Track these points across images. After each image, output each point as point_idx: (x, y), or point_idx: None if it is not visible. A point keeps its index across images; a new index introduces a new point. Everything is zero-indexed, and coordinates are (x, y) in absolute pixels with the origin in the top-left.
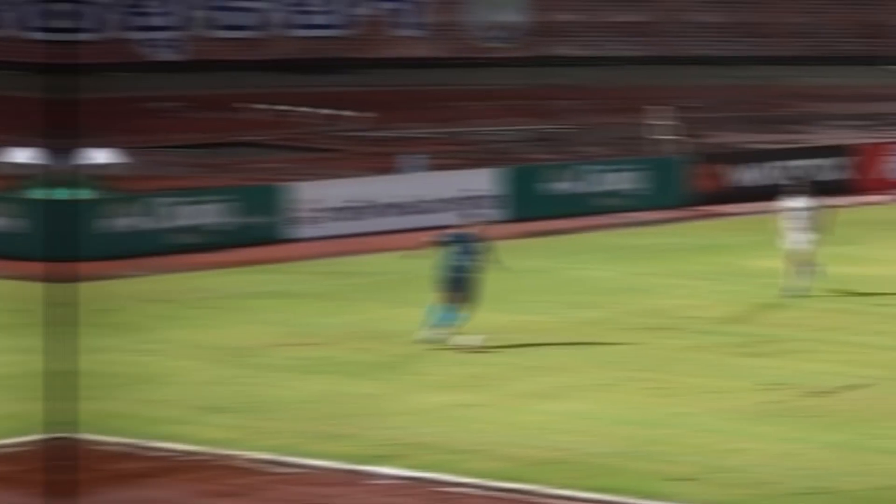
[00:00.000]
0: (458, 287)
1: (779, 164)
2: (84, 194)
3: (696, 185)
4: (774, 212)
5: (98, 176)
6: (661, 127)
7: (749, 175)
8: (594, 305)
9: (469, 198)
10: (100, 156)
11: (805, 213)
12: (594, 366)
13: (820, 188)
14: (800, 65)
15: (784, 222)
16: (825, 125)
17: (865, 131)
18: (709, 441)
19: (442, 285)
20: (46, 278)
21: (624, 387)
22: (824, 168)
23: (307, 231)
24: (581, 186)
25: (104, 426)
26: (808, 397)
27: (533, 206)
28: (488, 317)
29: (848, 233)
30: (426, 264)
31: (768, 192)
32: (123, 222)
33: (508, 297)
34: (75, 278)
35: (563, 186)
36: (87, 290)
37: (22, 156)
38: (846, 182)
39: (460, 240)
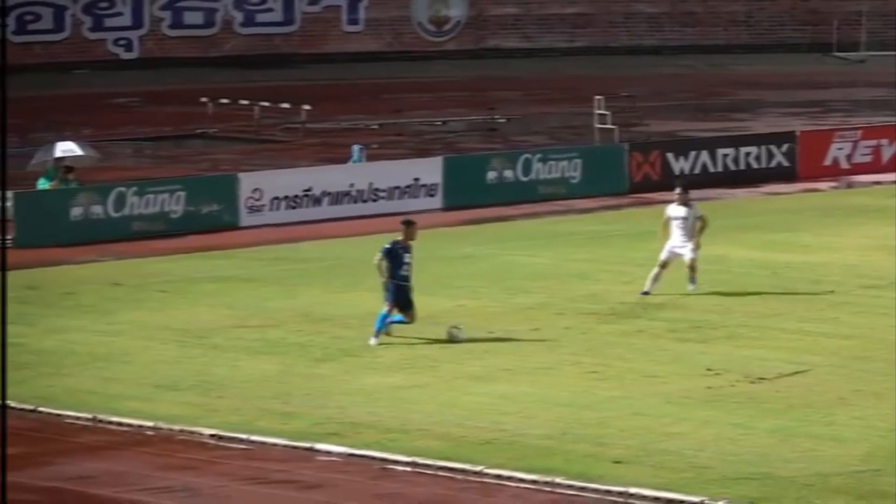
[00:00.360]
0: (397, 296)
1: (721, 151)
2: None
3: (636, 173)
4: (710, 200)
5: (66, 167)
6: (602, 116)
7: (689, 163)
8: (534, 291)
9: (412, 186)
10: (67, 148)
11: (680, 222)
12: (533, 349)
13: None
14: (742, 53)
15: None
16: (769, 113)
17: (810, 118)
18: (646, 425)
19: (386, 294)
20: None
21: (562, 370)
22: (768, 155)
23: (258, 218)
24: (521, 175)
25: (67, 401)
26: (747, 383)
27: (474, 195)
28: (430, 302)
29: (791, 220)
30: (371, 250)
31: (709, 180)
32: (88, 210)
33: (449, 283)
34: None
35: (503, 175)
36: (53, 275)
37: None
38: (790, 169)
39: (394, 251)
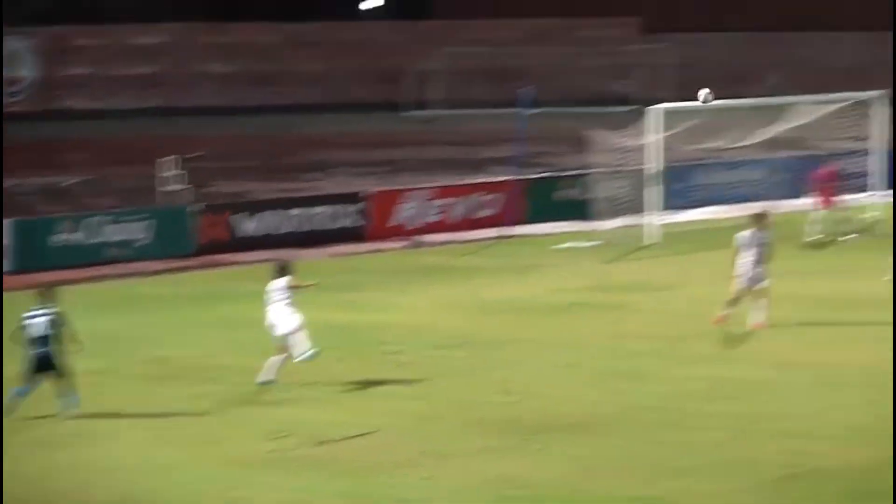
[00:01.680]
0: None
1: (290, 212)
2: None
3: (203, 235)
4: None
5: None
6: (170, 177)
7: (258, 224)
8: (96, 355)
9: None
10: None
11: (279, 295)
12: (95, 415)
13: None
14: (315, 112)
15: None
16: (339, 172)
17: (379, 178)
18: (206, 490)
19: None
20: None
21: (124, 435)
22: (337, 216)
23: None
24: (88, 238)
25: None
26: (313, 446)
27: (40, 258)
28: None
29: (358, 280)
30: None
31: (277, 241)
32: None
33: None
34: None
35: (70, 238)
36: None
37: None
38: (359, 229)
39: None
